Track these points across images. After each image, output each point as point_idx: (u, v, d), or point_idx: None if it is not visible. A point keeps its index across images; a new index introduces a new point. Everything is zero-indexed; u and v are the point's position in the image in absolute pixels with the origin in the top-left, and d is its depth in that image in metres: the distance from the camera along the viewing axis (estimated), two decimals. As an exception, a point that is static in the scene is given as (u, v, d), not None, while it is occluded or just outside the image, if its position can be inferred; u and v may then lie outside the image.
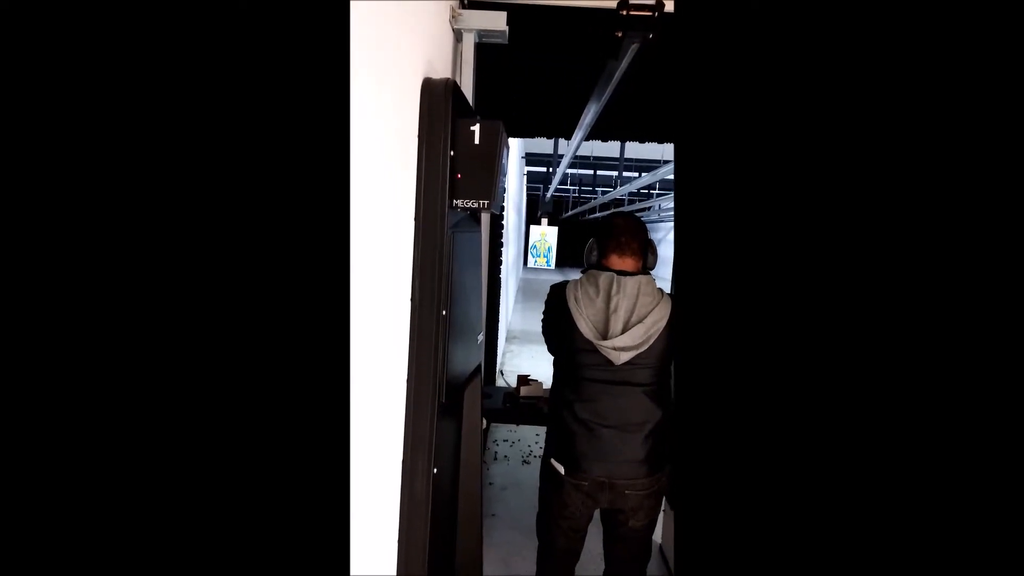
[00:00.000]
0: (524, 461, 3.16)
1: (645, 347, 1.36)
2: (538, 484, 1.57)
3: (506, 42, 1.48)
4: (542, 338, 1.59)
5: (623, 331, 1.37)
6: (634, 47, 1.36)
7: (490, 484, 2.83)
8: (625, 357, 1.36)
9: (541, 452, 1.66)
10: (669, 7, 1.29)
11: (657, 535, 2.17)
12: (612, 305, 1.38)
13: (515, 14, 1.47)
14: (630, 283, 1.39)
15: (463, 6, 1.59)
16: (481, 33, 1.45)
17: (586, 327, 1.39)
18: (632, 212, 2.03)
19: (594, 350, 1.38)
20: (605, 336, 1.38)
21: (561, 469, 1.45)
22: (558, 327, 1.46)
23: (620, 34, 1.33)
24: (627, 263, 1.44)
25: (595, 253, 1.48)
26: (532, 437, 3.46)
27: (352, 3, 0.65)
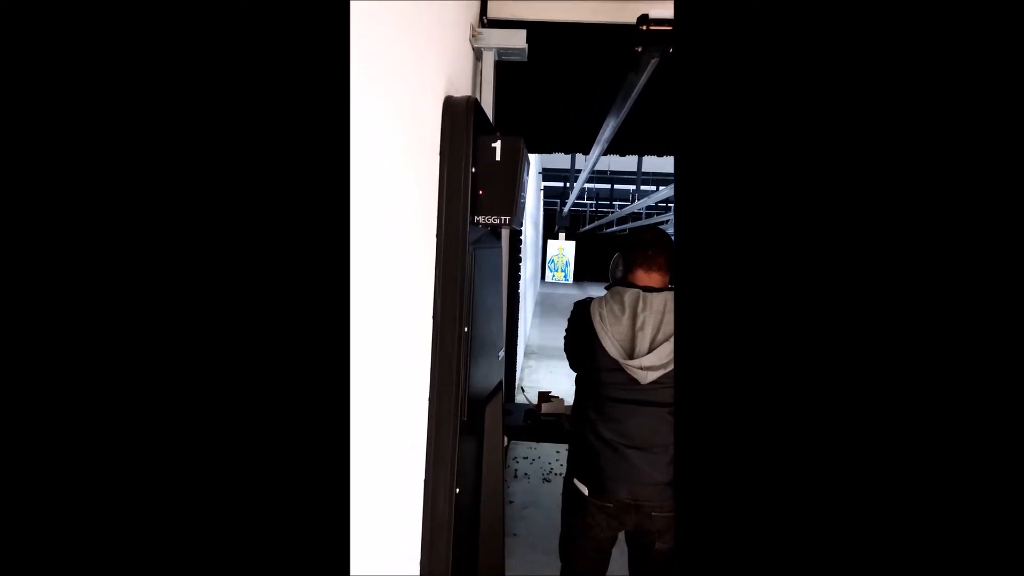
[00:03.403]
0: (545, 479, 3.12)
1: (673, 366, 1.33)
2: (560, 503, 1.54)
3: (525, 59, 1.49)
4: (561, 353, 1.57)
5: (650, 350, 1.34)
6: (654, 62, 1.36)
7: (511, 503, 2.79)
8: (652, 376, 1.33)
9: (562, 470, 1.62)
10: (689, 21, 1.28)
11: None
12: (638, 323, 1.35)
13: (534, 31, 1.48)
14: (656, 299, 1.36)
15: (483, 25, 1.61)
16: (501, 51, 1.47)
17: (611, 345, 1.36)
18: (656, 225, 2.00)
19: (619, 369, 1.35)
20: (631, 355, 1.35)
21: (585, 490, 1.42)
22: (582, 345, 1.43)
23: (640, 49, 1.33)
24: (654, 279, 1.41)
25: (620, 268, 1.46)
26: (552, 454, 3.41)
27: (374, 26, 0.66)
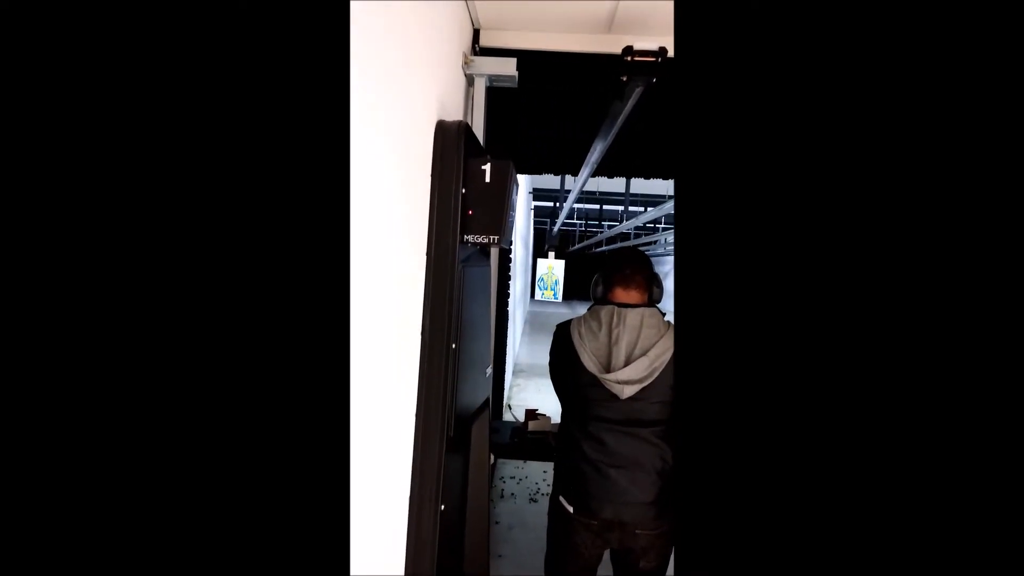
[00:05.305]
0: (531, 499, 3.10)
1: (650, 380, 1.35)
2: (546, 523, 1.55)
3: (516, 86, 1.55)
4: (548, 371, 1.59)
5: (626, 363, 1.36)
6: (638, 90, 1.42)
7: (496, 523, 2.77)
8: (630, 391, 1.35)
9: (549, 489, 1.63)
10: (672, 52, 1.34)
11: (669, 574, 2.10)
12: (613, 337, 1.38)
13: (525, 60, 1.53)
14: (632, 315, 1.40)
15: (475, 53, 1.66)
16: (492, 78, 1.52)
17: (589, 361, 1.39)
18: (636, 247, 2.05)
19: (599, 384, 1.38)
20: (608, 369, 1.38)
21: (570, 508, 1.43)
22: (564, 365, 1.46)
23: (625, 78, 1.39)
24: (632, 296, 1.45)
25: (600, 288, 1.50)
26: (539, 474, 3.40)
27: (374, 53, 0.70)
